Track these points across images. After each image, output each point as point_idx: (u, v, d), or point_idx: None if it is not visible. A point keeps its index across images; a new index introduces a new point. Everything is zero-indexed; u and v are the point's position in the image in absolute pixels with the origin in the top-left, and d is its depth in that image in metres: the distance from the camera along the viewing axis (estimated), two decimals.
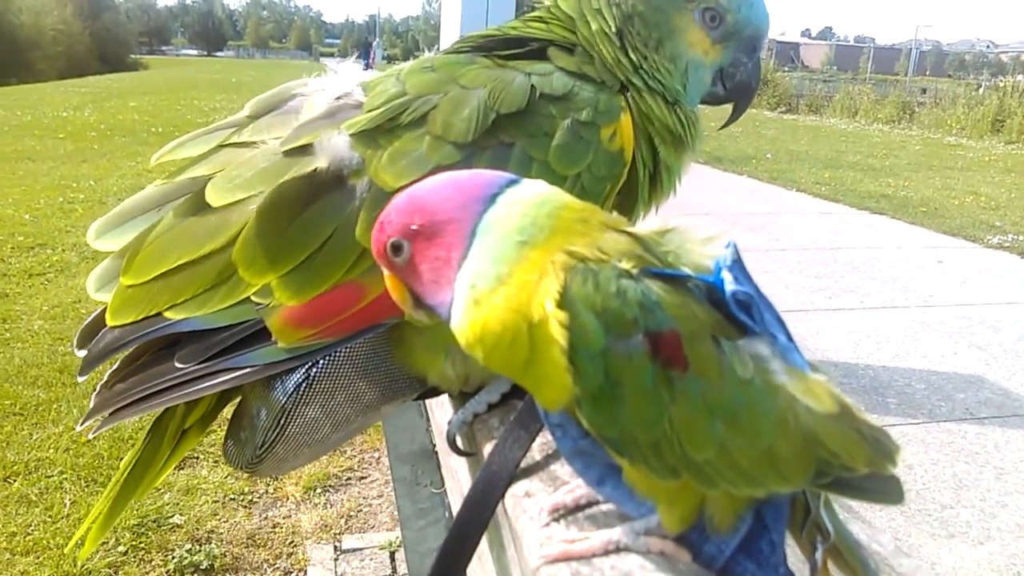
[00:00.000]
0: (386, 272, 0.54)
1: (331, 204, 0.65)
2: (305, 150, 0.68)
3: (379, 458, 2.96)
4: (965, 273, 5.51)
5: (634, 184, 0.75)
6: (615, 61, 0.72)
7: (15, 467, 2.69)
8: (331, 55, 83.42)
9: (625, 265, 0.46)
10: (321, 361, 0.70)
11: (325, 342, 0.67)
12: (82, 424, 0.75)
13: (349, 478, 2.86)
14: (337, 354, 0.70)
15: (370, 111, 0.68)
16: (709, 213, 7.23)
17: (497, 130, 0.66)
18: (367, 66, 43.45)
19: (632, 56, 0.72)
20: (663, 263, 0.48)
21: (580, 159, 0.68)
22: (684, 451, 0.46)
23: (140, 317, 0.70)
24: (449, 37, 3.48)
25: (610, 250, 0.47)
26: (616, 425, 0.46)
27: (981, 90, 17.94)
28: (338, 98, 0.72)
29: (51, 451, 2.78)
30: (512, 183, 0.51)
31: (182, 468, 2.73)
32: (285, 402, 0.70)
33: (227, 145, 0.73)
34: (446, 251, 0.49)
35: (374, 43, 40.71)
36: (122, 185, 7.03)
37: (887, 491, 0.52)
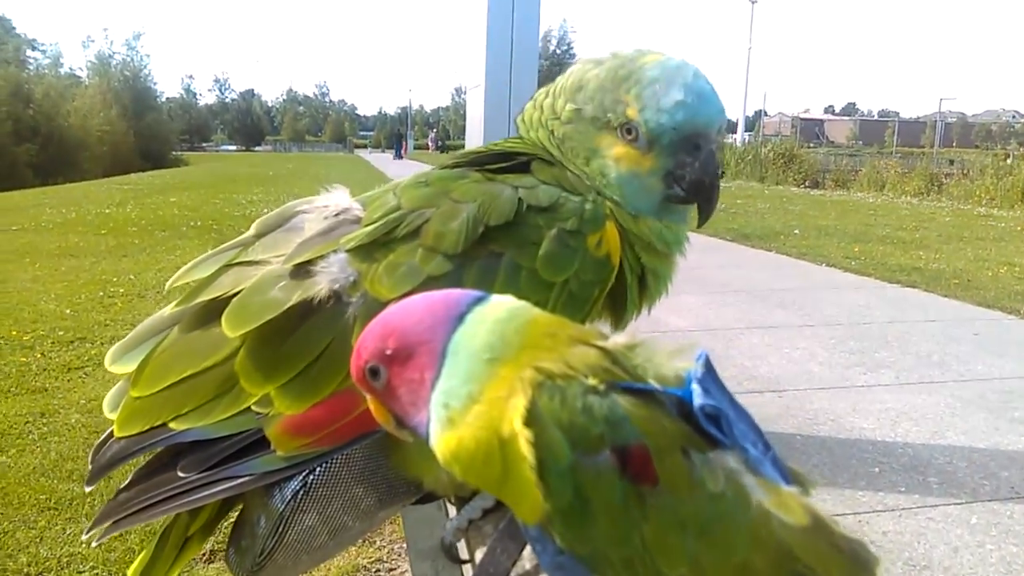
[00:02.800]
0: (367, 395, 0.55)
1: (327, 317, 0.68)
2: (306, 269, 0.71)
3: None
4: (1002, 345, 5.39)
5: (623, 287, 0.77)
6: (583, 175, 0.76)
7: (47, 562, 2.70)
8: (364, 147, 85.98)
9: (592, 380, 0.46)
10: (318, 468, 0.71)
11: (321, 449, 0.69)
12: (87, 533, 0.77)
13: (379, 570, 2.82)
14: (334, 461, 0.71)
15: (367, 226, 0.71)
16: (737, 291, 7.21)
17: (487, 241, 0.69)
18: (398, 156, 44.75)
19: (576, 172, 0.77)
20: (632, 376, 0.48)
21: (567, 266, 0.70)
22: (657, 568, 0.45)
23: (146, 428, 0.73)
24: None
25: (578, 364, 0.47)
26: (588, 542, 0.46)
27: (1010, 160, 17.87)
28: (337, 215, 0.76)
29: (84, 546, 2.79)
30: (480, 300, 0.52)
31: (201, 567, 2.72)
32: (283, 509, 0.71)
33: (234, 264, 0.76)
34: (420, 373, 0.50)
35: (406, 134, 41.91)
36: (160, 279, 7.22)
37: None
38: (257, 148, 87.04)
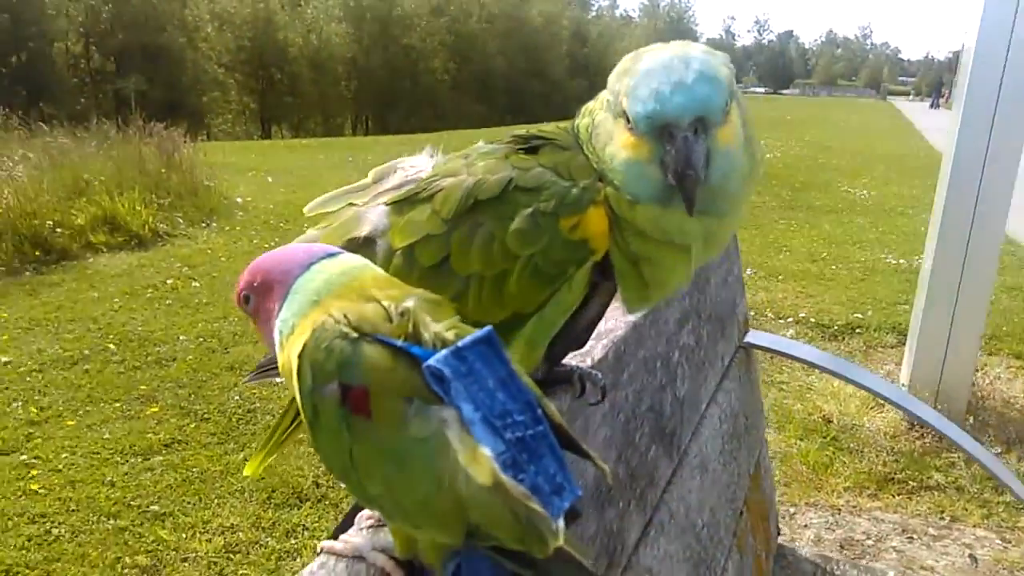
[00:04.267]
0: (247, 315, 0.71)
1: (363, 256, 0.82)
2: (363, 215, 0.86)
3: None
4: None
5: (620, 272, 0.81)
6: (595, 160, 0.78)
7: None
8: (904, 94, 78.24)
9: (347, 328, 0.58)
10: None
11: None
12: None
13: None
14: None
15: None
16: None
17: (475, 212, 0.79)
18: (935, 105, 39.92)
19: (592, 158, 0.78)
20: (402, 332, 0.59)
21: (534, 242, 0.78)
22: (361, 482, 0.57)
23: None
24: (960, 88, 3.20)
25: (352, 314, 0.59)
26: (320, 450, 0.60)
27: None
28: (415, 171, 0.89)
29: None
30: (331, 255, 0.66)
31: None
32: None
33: (351, 205, 0.90)
34: (273, 304, 0.65)
35: (950, 81, 37.10)
36: None
37: None
38: (785, 91, 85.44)
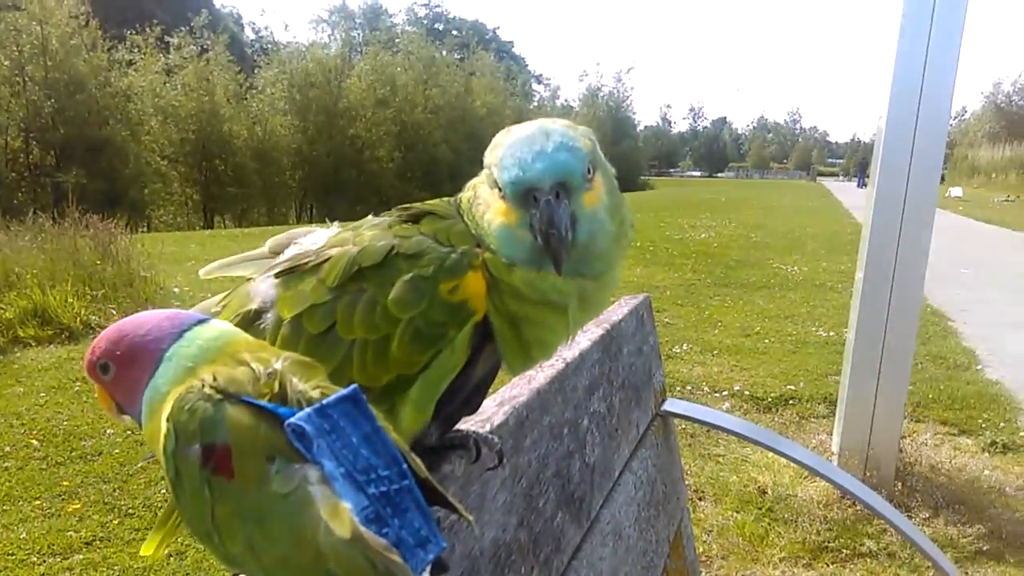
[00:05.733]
0: (95, 384, 0.71)
1: (253, 331, 0.83)
2: (255, 287, 0.88)
3: None
4: None
5: (500, 333, 0.85)
6: (474, 228, 0.84)
7: None
8: (833, 175, 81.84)
9: (211, 390, 0.60)
10: None
11: None
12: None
13: None
14: None
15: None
16: None
17: (359, 279, 0.83)
18: (861, 184, 41.87)
19: (471, 225, 0.84)
20: (269, 392, 0.61)
21: (414, 305, 0.81)
22: (223, 544, 0.58)
23: None
24: (876, 164, 3.39)
25: (222, 377, 0.61)
26: (184, 515, 0.61)
27: None
28: (307, 246, 0.91)
29: None
30: (201, 322, 0.68)
31: None
32: None
33: (247, 279, 0.93)
34: (140, 373, 0.66)
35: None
36: None
37: None
38: (719, 175, 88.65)
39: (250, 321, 0.86)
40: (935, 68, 3.19)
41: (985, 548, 2.90)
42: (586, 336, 1.52)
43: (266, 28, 39.07)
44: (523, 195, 0.78)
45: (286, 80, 29.74)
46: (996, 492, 3.39)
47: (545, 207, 0.77)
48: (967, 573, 2.75)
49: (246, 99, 28.96)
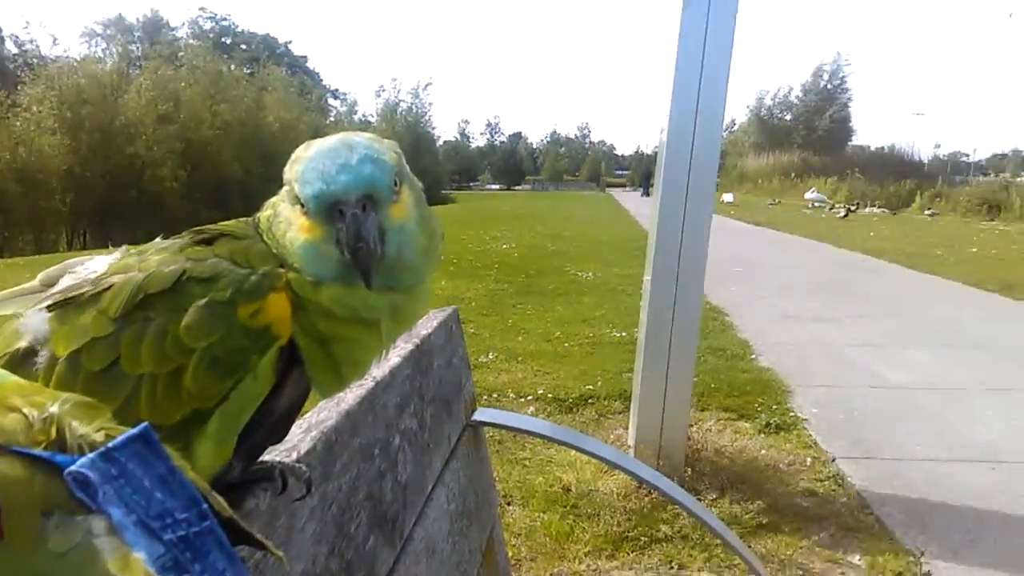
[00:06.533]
0: None
1: (24, 371, 0.76)
2: (24, 323, 0.80)
3: None
4: None
5: (308, 356, 0.82)
6: (275, 247, 0.82)
7: None
8: (621, 185, 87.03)
9: None
10: None
11: None
12: None
13: None
14: None
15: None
16: (979, 347, 6.44)
17: (145, 307, 0.77)
18: (646, 193, 45.06)
19: (272, 245, 0.82)
20: (36, 441, 0.56)
21: (210, 333, 0.77)
22: None
23: None
24: (658, 175, 3.65)
25: None
26: None
27: None
28: (84, 276, 0.83)
29: None
30: None
31: None
32: None
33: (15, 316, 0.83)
34: None
35: (655, 172, 41.98)
36: None
37: None
38: (517, 187, 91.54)
39: (20, 361, 0.77)
40: (709, 86, 3.49)
41: (765, 521, 3.21)
42: (396, 352, 1.52)
43: (31, 42, 35.30)
44: (328, 209, 0.76)
45: (55, 97, 27.11)
46: (772, 469, 3.77)
47: (352, 220, 0.75)
48: (750, 545, 3.02)
49: (7, 118, 26.13)
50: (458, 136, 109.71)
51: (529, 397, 4.79)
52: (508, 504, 3.34)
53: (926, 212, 28.52)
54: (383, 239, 0.77)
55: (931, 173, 45.82)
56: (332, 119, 57.15)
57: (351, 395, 1.29)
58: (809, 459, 3.90)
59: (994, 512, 3.38)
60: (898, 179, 36.68)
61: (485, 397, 4.72)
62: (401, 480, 1.40)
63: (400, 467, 1.41)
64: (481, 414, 2.00)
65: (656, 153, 3.82)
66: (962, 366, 5.86)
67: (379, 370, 1.38)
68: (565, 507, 3.28)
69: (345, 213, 0.76)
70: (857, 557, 2.97)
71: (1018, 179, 40.90)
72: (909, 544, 3.05)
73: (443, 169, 67.15)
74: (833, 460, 3.90)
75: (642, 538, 3.06)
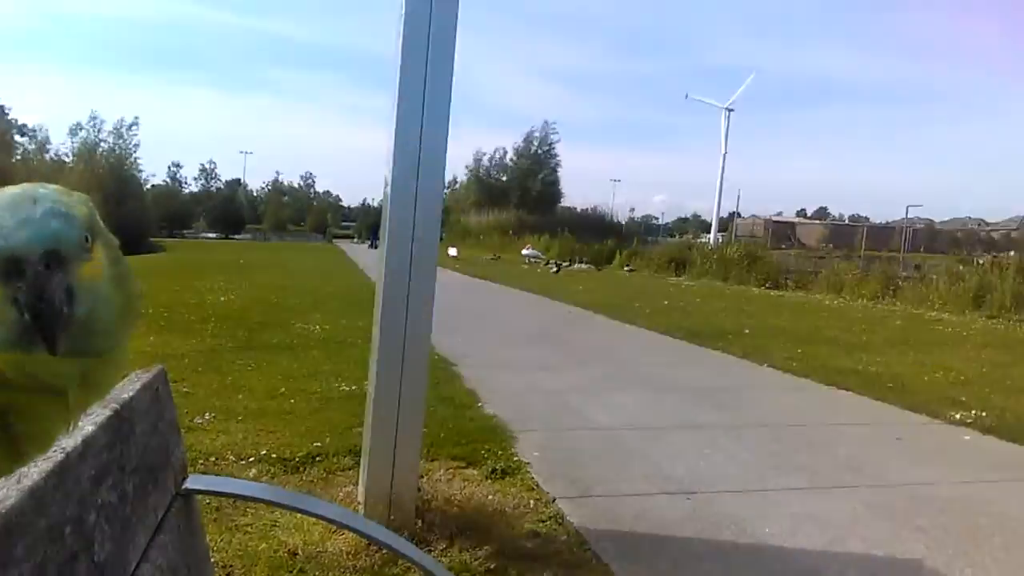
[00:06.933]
0: None
1: None
2: None
3: None
4: (922, 451, 5.40)
5: None
6: None
7: None
8: (348, 237, 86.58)
9: None
10: None
11: None
12: None
13: None
14: None
15: None
16: (676, 389, 7.21)
17: None
18: (373, 245, 45.41)
19: None
20: None
21: None
22: None
23: None
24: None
25: None
26: None
27: (979, 264, 18.35)
28: None
29: None
30: None
31: None
32: None
33: None
34: None
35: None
36: None
37: None
38: (237, 236, 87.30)
39: None
40: (429, 142, 3.58)
41: (493, 566, 3.27)
42: (91, 420, 1.35)
43: None
44: (5, 267, 0.67)
45: None
46: (499, 513, 3.87)
47: (35, 279, 0.68)
48: None
49: None
50: (168, 180, 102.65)
51: (251, 459, 4.50)
52: (228, 575, 3.09)
53: (625, 268, 31.70)
54: (71, 300, 0.69)
55: (628, 234, 51.41)
56: (19, 157, 50.80)
57: (36, 470, 1.12)
58: (532, 501, 4.06)
59: (691, 539, 3.75)
60: (601, 238, 40.45)
61: (201, 462, 4.36)
62: (99, 560, 1.23)
63: (97, 546, 1.23)
64: (193, 481, 1.84)
65: (381, 206, 3.84)
66: (660, 406, 6.52)
67: (71, 441, 1.21)
68: (291, 572, 3.10)
69: (27, 271, 0.68)
70: None
71: (699, 240, 47.01)
72: (623, 575, 3.27)
73: (151, 215, 62.17)
74: (553, 500, 4.10)
75: None
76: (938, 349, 10.39)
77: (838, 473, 4.82)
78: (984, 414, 6.37)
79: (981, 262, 17.94)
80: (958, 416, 6.31)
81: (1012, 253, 25.86)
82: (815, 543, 3.74)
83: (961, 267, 18.89)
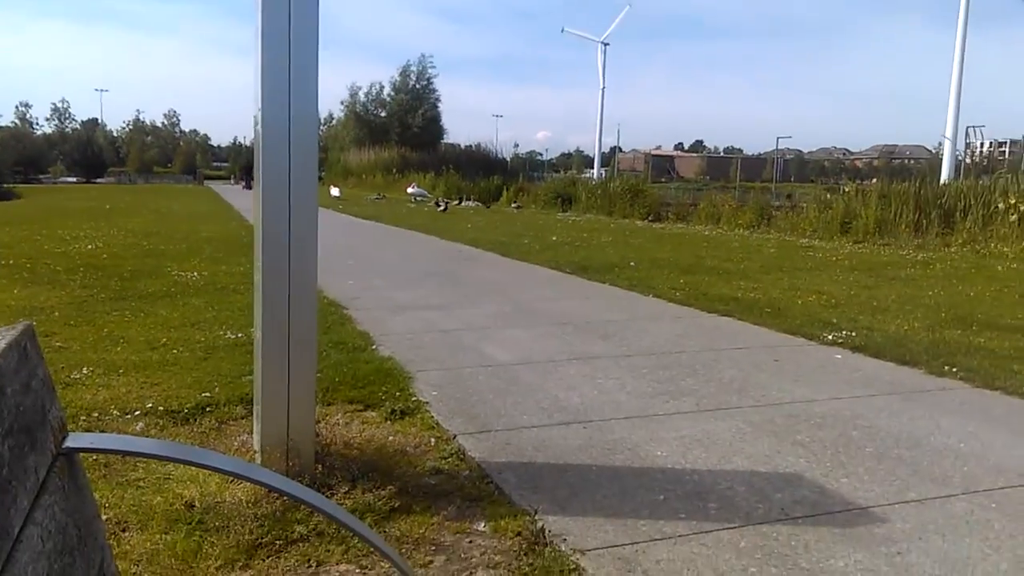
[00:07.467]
0: None
1: None
2: None
3: None
4: (799, 371, 5.72)
5: None
6: None
7: None
8: (221, 178, 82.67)
9: None
10: None
11: None
12: None
13: None
14: None
15: None
16: (566, 323, 7.33)
17: None
18: (248, 186, 43.67)
19: None
20: None
21: None
22: None
23: None
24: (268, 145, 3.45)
25: None
26: None
27: (842, 191, 19.35)
28: None
29: None
30: None
31: None
32: None
33: None
34: None
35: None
36: None
37: None
38: (99, 180, 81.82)
39: None
40: (299, 75, 3.39)
41: (397, 505, 3.27)
42: None
43: None
44: None
45: None
46: (400, 454, 3.86)
47: None
48: (385, 531, 3.05)
49: None
50: (17, 121, 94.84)
51: (137, 412, 4.29)
52: (123, 531, 2.96)
53: (513, 205, 31.79)
54: None
55: (513, 170, 51.40)
56: None
57: None
58: (433, 439, 4.07)
59: (588, 466, 3.85)
60: (487, 175, 40.27)
61: (84, 418, 4.12)
62: None
63: None
64: (74, 440, 1.72)
65: (253, 145, 3.63)
66: (553, 340, 6.62)
67: None
68: (190, 524, 3.00)
69: None
70: (482, 524, 3.16)
71: (583, 176, 47.59)
72: (524, 505, 3.33)
73: (2, 160, 57.46)
74: (454, 437, 4.12)
75: (277, 542, 2.92)
76: (810, 274, 11.00)
77: (723, 395, 5.05)
78: (853, 334, 6.81)
79: (847, 190, 18.95)
80: (830, 337, 6.72)
81: (874, 181, 27.61)
82: (704, 462, 3.92)
83: (828, 195, 19.97)
